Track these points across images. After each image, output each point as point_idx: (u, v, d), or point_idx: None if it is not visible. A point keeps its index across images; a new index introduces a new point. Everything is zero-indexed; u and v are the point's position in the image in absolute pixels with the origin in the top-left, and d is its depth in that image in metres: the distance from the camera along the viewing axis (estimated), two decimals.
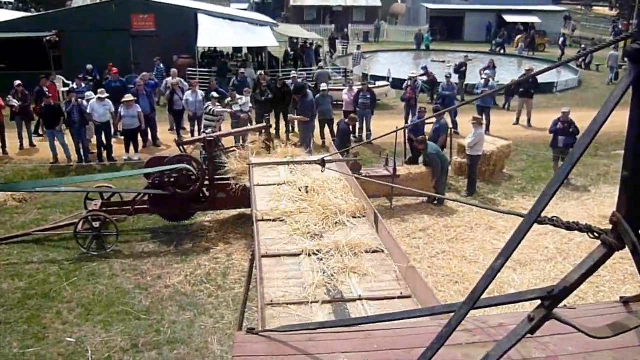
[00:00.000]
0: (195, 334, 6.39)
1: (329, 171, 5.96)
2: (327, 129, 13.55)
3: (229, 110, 12.74)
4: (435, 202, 10.24)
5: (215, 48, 24.02)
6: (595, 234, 1.18)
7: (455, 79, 17.93)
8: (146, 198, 9.03)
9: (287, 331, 1.95)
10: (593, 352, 1.66)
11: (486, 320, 1.89)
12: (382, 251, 4.60)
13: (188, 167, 8.72)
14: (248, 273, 5.61)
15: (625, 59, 1.32)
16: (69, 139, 12.37)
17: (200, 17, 20.34)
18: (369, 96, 14.00)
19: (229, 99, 13.25)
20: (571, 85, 22.35)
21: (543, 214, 1.17)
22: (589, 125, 1.14)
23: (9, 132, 13.15)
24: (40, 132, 14.19)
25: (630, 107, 1.14)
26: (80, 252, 8.27)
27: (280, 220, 5.22)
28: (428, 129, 11.14)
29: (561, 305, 1.17)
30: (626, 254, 1.16)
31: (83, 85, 14.83)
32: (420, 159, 10.61)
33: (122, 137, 12.94)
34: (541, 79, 17.96)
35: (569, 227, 1.23)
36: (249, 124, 12.65)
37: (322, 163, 5.42)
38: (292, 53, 24.96)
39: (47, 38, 19.31)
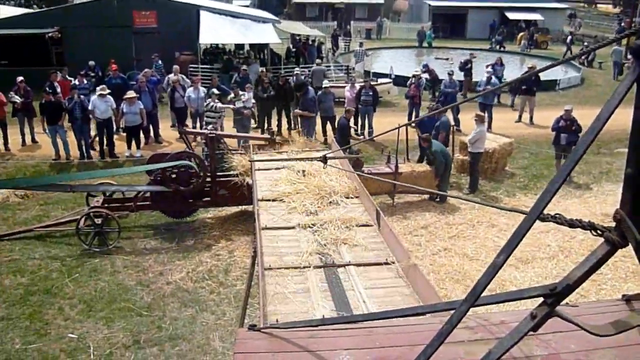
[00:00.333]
0: (196, 331, 6.41)
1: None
2: (328, 126, 13.54)
3: (230, 106, 12.73)
4: (437, 199, 10.23)
5: (217, 45, 24.02)
6: (598, 231, 1.17)
7: (460, 76, 17.87)
8: (148, 195, 9.03)
9: (288, 328, 1.95)
10: (595, 349, 1.66)
11: (488, 317, 1.89)
12: (371, 225, 4.98)
13: (190, 163, 8.73)
14: (250, 270, 5.62)
15: (630, 56, 1.32)
16: (71, 135, 12.38)
17: (203, 13, 20.33)
18: (371, 93, 13.99)
19: (232, 95, 13.24)
20: (574, 82, 22.31)
21: (545, 212, 1.17)
22: (591, 123, 1.13)
23: (11, 129, 13.17)
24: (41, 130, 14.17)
25: (634, 104, 1.14)
26: (82, 248, 8.31)
27: (280, 200, 5.58)
28: None
29: (563, 302, 1.16)
30: (628, 251, 1.15)
31: (85, 81, 14.83)
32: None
33: (124, 134, 12.95)
34: (543, 76, 17.91)
35: (572, 224, 1.23)
36: (251, 119, 12.64)
37: (324, 160, 5.42)
38: (294, 50, 24.91)
39: (49, 34, 19.29)
